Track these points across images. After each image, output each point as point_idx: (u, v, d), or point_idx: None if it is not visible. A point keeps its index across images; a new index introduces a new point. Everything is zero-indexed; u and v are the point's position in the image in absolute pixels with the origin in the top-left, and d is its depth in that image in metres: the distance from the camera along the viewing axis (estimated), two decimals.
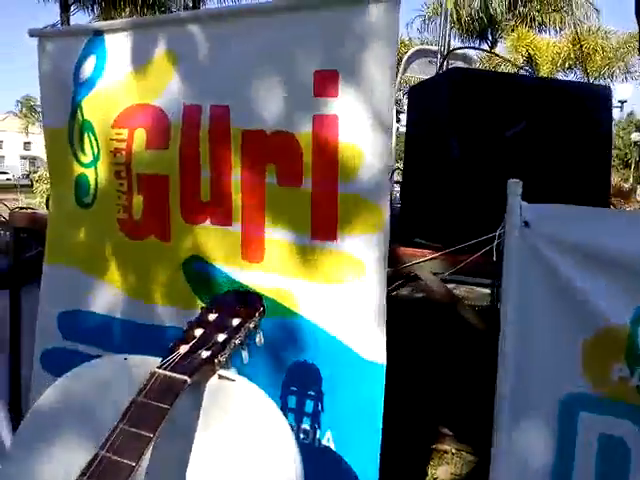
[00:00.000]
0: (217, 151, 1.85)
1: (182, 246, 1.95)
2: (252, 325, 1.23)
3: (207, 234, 1.90)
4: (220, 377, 1.14)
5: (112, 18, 15.42)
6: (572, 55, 16.36)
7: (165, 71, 1.92)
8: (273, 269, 1.82)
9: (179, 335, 1.22)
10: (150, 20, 2.03)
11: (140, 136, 1.97)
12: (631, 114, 33.41)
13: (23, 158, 51.10)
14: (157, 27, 1.95)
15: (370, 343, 1.70)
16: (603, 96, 2.04)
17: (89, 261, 2.18)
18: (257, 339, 1.26)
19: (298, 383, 1.82)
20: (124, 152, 2.00)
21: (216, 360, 1.13)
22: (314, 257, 1.76)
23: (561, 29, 20.25)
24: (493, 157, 1.88)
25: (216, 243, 1.89)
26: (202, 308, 1.30)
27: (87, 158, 2.14)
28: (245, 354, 1.22)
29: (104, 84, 2.05)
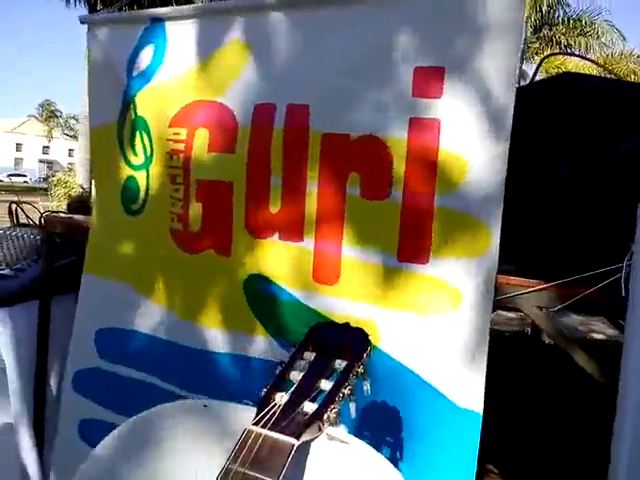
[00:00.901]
0: (291, 156, 1.62)
1: (244, 262, 1.71)
2: (361, 369, 1.00)
3: (274, 250, 1.67)
4: (330, 438, 0.90)
5: None
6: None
7: (234, 64, 1.70)
8: (350, 293, 1.58)
9: (272, 379, 0.99)
10: (220, 6, 1.82)
11: (202, 137, 1.74)
12: None
13: (41, 162, 51.59)
14: (228, 14, 1.73)
15: (464, 387, 1.45)
16: None
17: (135, 274, 1.95)
18: (365, 388, 1.03)
19: (373, 427, 1.56)
20: (182, 154, 1.78)
21: (325, 416, 0.89)
22: (400, 282, 1.52)
23: (587, 52, 20.01)
24: (604, 176, 1.63)
25: (284, 261, 1.66)
26: (295, 345, 1.07)
27: (138, 159, 1.92)
28: (353, 407, 0.98)
29: (162, 77, 1.84)
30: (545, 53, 19.28)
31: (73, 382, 2.13)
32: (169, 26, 1.82)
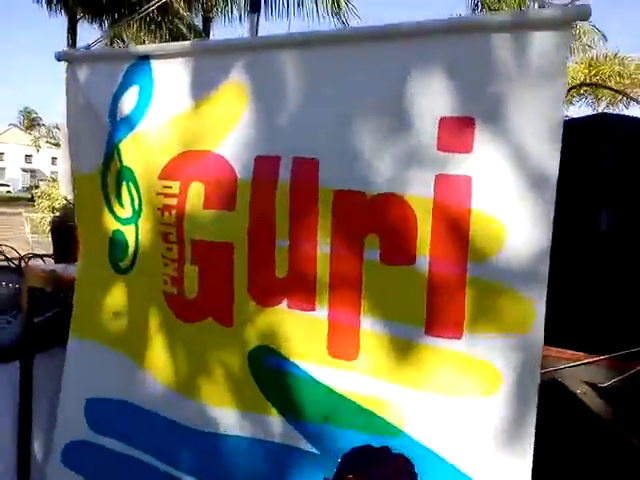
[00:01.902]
0: (299, 215, 1.43)
1: (248, 333, 1.52)
2: None
3: (282, 319, 1.48)
4: None
5: (118, 36, 15.04)
6: (587, 81, 15.88)
7: (232, 110, 1.51)
8: (370, 371, 1.39)
9: None
10: (215, 44, 1.63)
11: (196, 192, 1.55)
12: None
13: (24, 171, 50.94)
14: (224, 53, 1.54)
15: (504, 477, 1.28)
16: None
17: (127, 341, 1.76)
18: None
19: None
20: (174, 210, 1.59)
21: None
22: (429, 358, 1.34)
23: (571, 54, 19.88)
24: None
25: (294, 332, 1.47)
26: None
27: (125, 212, 1.73)
28: None
29: (149, 123, 1.64)
30: None
31: (62, 455, 1.92)
32: (156, 65, 1.63)
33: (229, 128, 1.51)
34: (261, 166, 1.46)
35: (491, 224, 1.25)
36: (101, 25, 16.63)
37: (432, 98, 1.28)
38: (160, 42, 13.84)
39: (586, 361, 1.31)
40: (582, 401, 1.34)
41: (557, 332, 1.42)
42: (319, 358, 1.44)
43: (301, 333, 1.46)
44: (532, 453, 1.25)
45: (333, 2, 11.38)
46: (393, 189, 1.33)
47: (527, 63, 1.18)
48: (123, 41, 15.06)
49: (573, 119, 1.82)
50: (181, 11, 16.23)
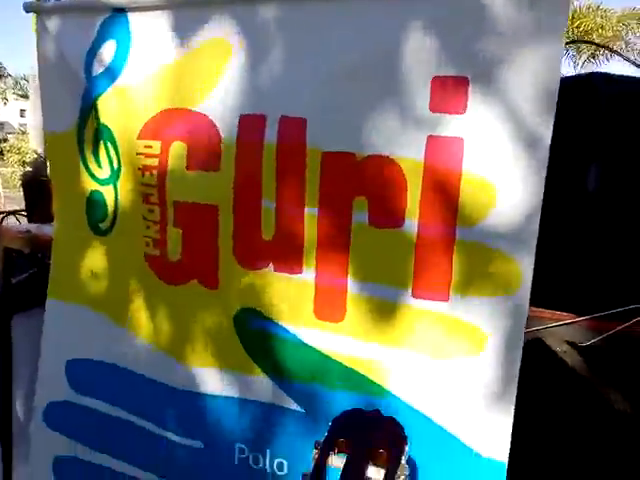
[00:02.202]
0: (286, 176, 1.40)
1: (234, 295, 1.51)
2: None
3: (268, 282, 1.47)
4: None
5: None
6: (570, 32, 15.73)
7: (215, 67, 1.46)
8: (357, 332, 1.40)
9: None
10: None
11: (178, 152, 1.51)
12: None
13: None
14: (206, 6, 1.47)
15: (487, 434, 1.31)
16: None
17: (106, 302, 1.73)
18: None
19: None
20: (155, 171, 1.54)
21: None
22: (415, 320, 1.35)
23: None
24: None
25: (280, 294, 1.46)
26: (316, 443, 0.89)
27: (103, 172, 1.68)
28: None
29: (127, 79, 1.58)
30: None
31: (44, 415, 1.92)
32: (133, 18, 1.55)
33: (212, 85, 1.46)
34: (246, 125, 1.42)
35: (482, 186, 1.24)
36: None
37: (423, 56, 1.25)
38: None
39: (568, 321, 1.33)
40: (562, 359, 1.37)
41: (541, 292, 1.44)
42: (305, 320, 1.44)
43: (287, 296, 1.45)
44: (513, 410, 1.29)
45: None
46: (383, 150, 1.31)
47: (523, 21, 1.15)
48: None
49: (563, 78, 1.81)
50: None
